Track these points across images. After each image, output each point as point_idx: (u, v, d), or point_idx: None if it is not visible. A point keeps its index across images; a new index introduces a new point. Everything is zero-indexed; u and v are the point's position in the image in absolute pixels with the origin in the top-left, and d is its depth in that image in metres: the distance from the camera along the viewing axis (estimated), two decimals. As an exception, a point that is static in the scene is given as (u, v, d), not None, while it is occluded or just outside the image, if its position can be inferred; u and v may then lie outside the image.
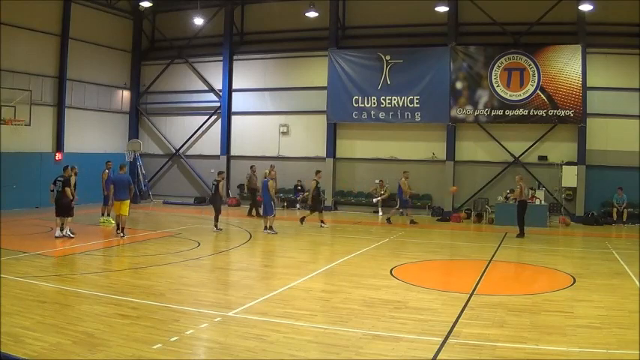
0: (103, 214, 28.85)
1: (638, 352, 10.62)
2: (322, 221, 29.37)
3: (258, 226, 29.60)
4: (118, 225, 25.14)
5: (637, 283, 16.89)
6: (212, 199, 28.30)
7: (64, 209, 24.13)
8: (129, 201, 25.11)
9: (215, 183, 27.63)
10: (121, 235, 24.54)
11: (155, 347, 10.55)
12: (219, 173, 28.53)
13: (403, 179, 31.79)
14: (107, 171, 28.60)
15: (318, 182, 29.83)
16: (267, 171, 30.44)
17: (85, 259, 20.13)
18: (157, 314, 12.84)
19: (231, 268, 20.13)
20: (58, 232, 23.91)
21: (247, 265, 20.15)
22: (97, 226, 27.33)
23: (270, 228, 26.67)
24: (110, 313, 12.79)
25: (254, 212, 34.33)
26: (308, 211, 30.32)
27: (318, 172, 30.44)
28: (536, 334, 11.71)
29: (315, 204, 29.82)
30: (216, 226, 27.31)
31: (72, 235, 23.93)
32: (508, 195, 31.75)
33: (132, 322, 12.10)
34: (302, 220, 29.86)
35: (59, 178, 24.34)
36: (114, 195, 25.03)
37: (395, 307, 13.89)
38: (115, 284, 15.87)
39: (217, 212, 27.47)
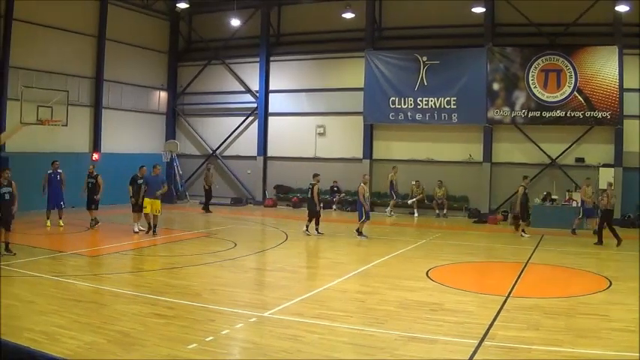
0: (48, 218, 27.56)
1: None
2: (523, 230, 28.23)
3: (289, 226, 29.75)
4: (145, 226, 25.61)
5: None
6: (308, 203, 28.08)
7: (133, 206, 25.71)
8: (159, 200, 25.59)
9: (310, 186, 27.31)
10: (155, 233, 25.20)
11: (190, 347, 10.69)
12: (315, 176, 27.76)
13: (584, 187, 30.17)
14: (49, 171, 27.50)
15: (525, 188, 28.59)
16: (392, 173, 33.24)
17: (120, 259, 20.37)
18: (192, 314, 13.00)
19: (267, 269, 20.33)
20: (136, 228, 25.35)
21: (283, 265, 20.19)
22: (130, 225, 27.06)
23: (360, 233, 26.29)
24: (146, 312, 12.97)
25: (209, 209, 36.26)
26: (520, 221, 28.74)
27: (525, 177, 29.54)
28: (571, 337, 11.72)
29: (524, 212, 28.43)
30: (307, 227, 26.99)
31: (142, 229, 25.32)
32: (552, 197, 31.53)
33: (167, 322, 12.25)
34: (519, 229, 28.54)
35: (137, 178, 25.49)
36: (146, 194, 25.15)
37: (431, 309, 13.94)
38: (151, 284, 16.08)
39: (311, 216, 27.07)
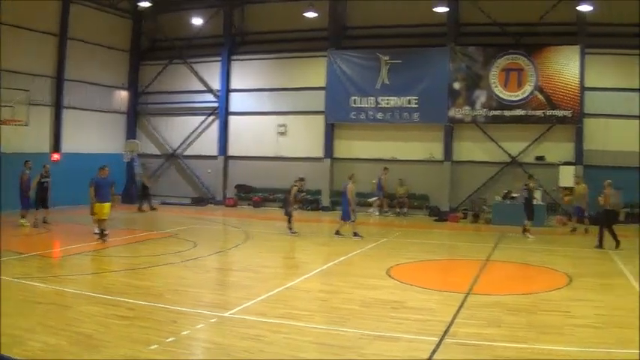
0: (23, 217, 27.33)
1: (637, 352, 10.65)
2: (528, 231, 27.35)
3: (251, 226, 29.77)
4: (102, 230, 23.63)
5: (633, 282, 16.92)
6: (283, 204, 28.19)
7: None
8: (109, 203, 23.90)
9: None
10: (104, 239, 23.28)
11: (152, 348, 10.60)
12: (299, 180, 28.25)
13: (576, 185, 30.19)
14: (27, 172, 27.54)
15: (533, 187, 28.55)
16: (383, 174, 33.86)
17: (82, 260, 20.13)
18: (154, 315, 12.88)
19: (229, 269, 20.26)
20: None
21: (245, 265, 20.12)
22: (91, 226, 26.36)
23: (355, 234, 26.11)
24: (108, 313, 12.81)
25: (145, 207, 36.36)
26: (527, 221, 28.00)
27: (531, 176, 29.28)
28: (533, 334, 11.79)
29: (526, 211, 27.86)
30: (290, 229, 26.90)
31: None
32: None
33: (129, 323, 12.13)
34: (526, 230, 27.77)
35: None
36: (97, 197, 23.34)
37: (393, 307, 13.97)
38: (113, 285, 15.89)
39: (288, 216, 27.11)
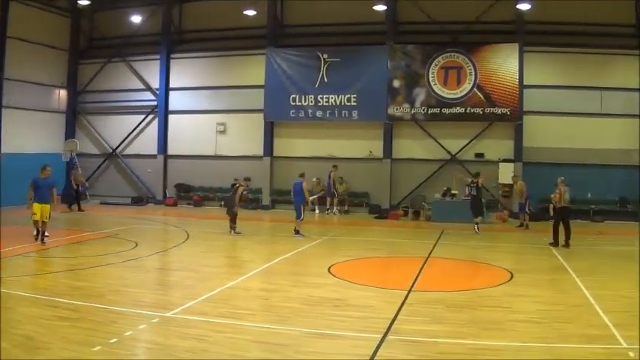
0: None
1: (577, 346, 10.78)
2: (477, 226, 27.66)
3: (191, 225, 29.59)
4: (38, 231, 22.97)
5: (575, 278, 17.09)
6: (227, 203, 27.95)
7: None
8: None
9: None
10: (44, 242, 22.66)
11: (95, 349, 10.38)
12: (245, 180, 28.02)
13: (516, 184, 30.69)
14: None
15: (481, 183, 28.46)
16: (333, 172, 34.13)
17: (23, 261, 19.68)
18: (96, 316, 12.65)
19: (170, 268, 20.02)
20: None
21: (186, 265, 19.90)
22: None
23: (297, 232, 26.02)
24: (49, 315, 12.55)
25: (75, 206, 35.88)
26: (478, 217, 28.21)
27: (478, 173, 29.24)
28: (475, 330, 11.86)
29: (475, 207, 28.15)
30: (233, 229, 26.61)
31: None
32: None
33: (71, 325, 11.89)
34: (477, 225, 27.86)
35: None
36: (35, 198, 22.68)
37: (335, 305, 13.94)
38: (54, 286, 15.58)
39: (231, 216, 26.84)
